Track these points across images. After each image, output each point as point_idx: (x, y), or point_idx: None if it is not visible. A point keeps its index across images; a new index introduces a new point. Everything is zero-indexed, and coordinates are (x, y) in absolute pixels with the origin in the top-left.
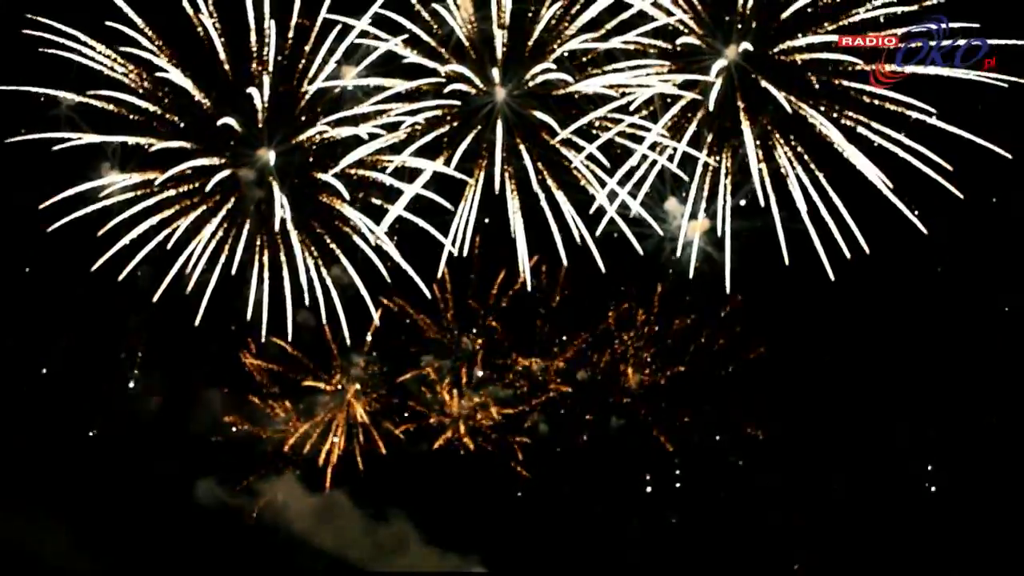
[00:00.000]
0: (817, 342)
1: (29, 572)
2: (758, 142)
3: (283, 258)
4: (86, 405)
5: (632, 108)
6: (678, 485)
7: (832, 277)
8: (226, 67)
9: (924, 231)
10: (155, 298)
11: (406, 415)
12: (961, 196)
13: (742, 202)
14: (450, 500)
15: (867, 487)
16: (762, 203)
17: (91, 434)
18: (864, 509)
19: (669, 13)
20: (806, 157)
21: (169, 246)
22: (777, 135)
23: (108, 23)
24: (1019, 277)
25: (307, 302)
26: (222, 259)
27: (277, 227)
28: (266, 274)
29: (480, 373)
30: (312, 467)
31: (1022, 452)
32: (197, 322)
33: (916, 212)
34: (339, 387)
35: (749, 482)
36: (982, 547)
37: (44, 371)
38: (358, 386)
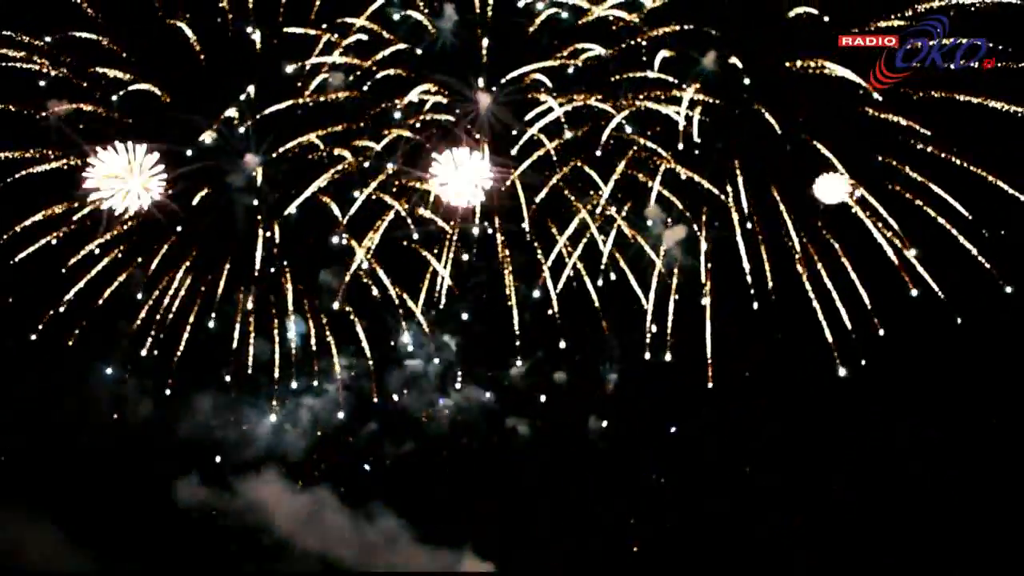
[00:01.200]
0: (815, 342)
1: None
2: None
3: (269, 292)
4: (77, 406)
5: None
6: (677, 485)
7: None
8: (209, 77)
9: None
10: (134, 325)
11: (391, 417)
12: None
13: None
14: (439, 498)
15: (867, 487)
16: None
17: (80, 439)
18: (864, 509)
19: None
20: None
21: (153, 267)
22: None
23: (80, 34)
24: (1019, 275)
25: (292, 310)
26: (209, 276)
27: (263, 241)
28: (253, 288)
29: (460, 375)
30: (300, 469)
31: (1022, 452)
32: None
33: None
34: (324, 391)
35: (749, 482)
36: (983, 547)
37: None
38: (342, 391)
